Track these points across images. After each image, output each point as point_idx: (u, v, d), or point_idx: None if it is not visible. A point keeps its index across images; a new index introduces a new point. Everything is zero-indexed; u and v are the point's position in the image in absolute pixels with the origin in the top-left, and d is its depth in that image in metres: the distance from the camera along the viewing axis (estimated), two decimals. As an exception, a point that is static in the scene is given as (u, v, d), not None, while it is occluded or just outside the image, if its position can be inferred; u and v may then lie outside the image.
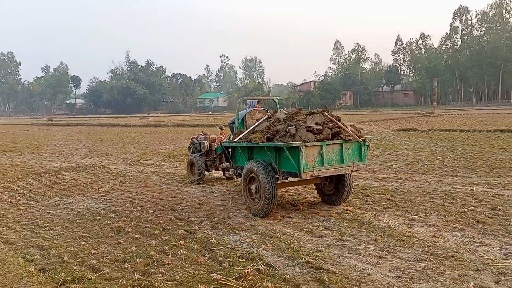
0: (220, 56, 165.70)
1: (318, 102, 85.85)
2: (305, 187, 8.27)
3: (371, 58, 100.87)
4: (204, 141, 9.71)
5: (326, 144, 6.17)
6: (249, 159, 7.09)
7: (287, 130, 6.30)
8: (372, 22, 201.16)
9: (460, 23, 79.22)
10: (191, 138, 10.38)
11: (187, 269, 4.41)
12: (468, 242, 5.04)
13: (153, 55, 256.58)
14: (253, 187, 6.67)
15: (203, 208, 7.04)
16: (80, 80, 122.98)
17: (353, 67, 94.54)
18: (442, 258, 4.53)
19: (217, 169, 9.61)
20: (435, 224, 5.76)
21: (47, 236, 5.73)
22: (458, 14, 79.26)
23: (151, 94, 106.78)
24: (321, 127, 6.36)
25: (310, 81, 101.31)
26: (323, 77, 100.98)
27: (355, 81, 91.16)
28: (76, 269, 4.43)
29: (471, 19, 78.68)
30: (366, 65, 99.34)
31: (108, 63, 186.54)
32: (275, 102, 9.53)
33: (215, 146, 9.53)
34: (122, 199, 7.97)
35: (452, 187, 7.96)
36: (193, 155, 9.73)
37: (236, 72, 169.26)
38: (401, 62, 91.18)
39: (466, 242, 5.04)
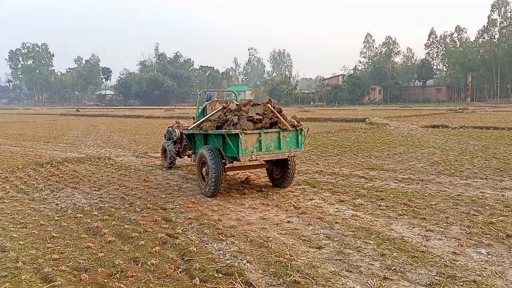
0: (249, 49, 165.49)
1: (346, 97, 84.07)
2: (316, 188, 7.48)
3: (403, 52, 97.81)
4: (176, 130, 10.26)
5: (264, 132, 6.86)
6: (203, 145, 7.79)
7: (232, 120, 7.02)
8: (405, 14, 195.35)
9: (499, 15, 75.28)
10: (167, 127, 10.94)
11: (150, 285, 3.75)
12: (495, 262, 4.17)
13: (181, 48, 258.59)
14: (203, 170, 7.45)
15: (195, 208, 6.38)
16: (111, 71, 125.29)
17: (384, 61, 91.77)
18: (461, 283, 3.69)
19: (189, 156, 9.79)
20: (457, 237, 4.89)
21: (16, 235, 5.20)
22: (497, 6, 75.34)
23: (179, 86, 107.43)
24: (261, 117, 7.09)
25: (339, 75, 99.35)
26: (352, 71, 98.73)
27: (385, 75, 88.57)
28: (24, 279, 3.84)
29: (511, 11, 74.68)
30: (398, 59, 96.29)
31: (138, 55, 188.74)
32: (235, 94, 10.57)
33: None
34: (114, 194, 7.42)
35: (481, 192, 6.99)
36: (166, 142, 10.40)
37: (264, 66, 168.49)
38: (434, 56, 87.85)
39: (492, 262, 4.17)
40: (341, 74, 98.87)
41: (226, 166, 7.48)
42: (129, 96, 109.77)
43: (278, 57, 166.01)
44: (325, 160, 11.16)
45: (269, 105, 7.54)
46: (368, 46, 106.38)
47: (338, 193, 7.22)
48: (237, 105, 7.72)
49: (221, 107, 8.18)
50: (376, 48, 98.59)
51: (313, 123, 27.76)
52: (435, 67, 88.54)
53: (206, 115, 8.49)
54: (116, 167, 10.49)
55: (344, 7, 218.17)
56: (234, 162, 7.35)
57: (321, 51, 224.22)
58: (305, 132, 7.40)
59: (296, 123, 7.38)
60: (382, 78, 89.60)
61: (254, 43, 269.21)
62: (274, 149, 7.02)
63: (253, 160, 6.94)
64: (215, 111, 8.17)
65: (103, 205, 6.66)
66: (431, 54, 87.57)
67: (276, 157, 7.14)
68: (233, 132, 6.62)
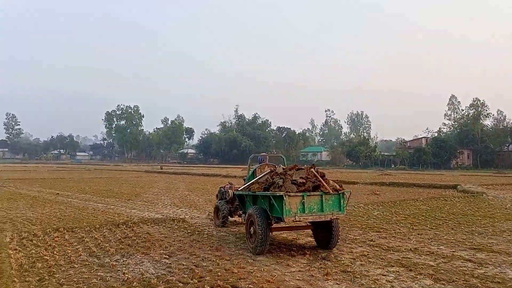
0: (326, 111, 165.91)
1: (430, 160, 79.22)
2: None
3: (493, 114, 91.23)
4: (229, 190, 10.83)
5: (307, 195, 7.36)
6: (252, 206, 8.38)
7: (277, 182, 7.60)
8: (494, 74, 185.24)
9: None
10: (219, 187, 11.66)
11: None
12: None
13: (259, 109, 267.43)
14: (251, 229, 7.92)
15: (271, 289, 5.55)
16: (193, 131, 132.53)
17: (472, 123, 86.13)
18: None
19: (239, 216, 10.32)
20: None
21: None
22: None
23: (256, 146, 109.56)
24: (304, 181, 7.63)
25: (422, 138, 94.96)
26: (436, 134, 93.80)
27: (473, 139, 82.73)
28: None
29: None
30: (487, 122, 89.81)
31: (219, 116, 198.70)
32: (283, 158, 11.25)
33: None
34: (183, 265, 6.85)
35: None
36: (219, 201, 11.00)
37: (341, 127, 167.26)
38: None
39: None
40: (424, 137, 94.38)
41: (272, 226, 8.00)
42: (209, 154, 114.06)
43: (356, 118, 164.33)
44: (418, 234, 9.78)
45: (312, 169, 8.10)
46: (453, 108, 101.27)
47: (443, 282, 5.96)
48: (283, 169, 8.29)
49: (269, 170, 8.85)
50: (462, 110, 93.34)
51: (397, 188, 25.89)
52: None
53: (256, 177, 9.03)
54: (189, 231, 10.07)
55: (426, 71, 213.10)
56: (281, 223, 7.82)
57: (401, 112, 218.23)
58: (348, 196, 7.84)
59: (338, 187, 7.83)
60: (470, 142, 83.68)
61: (331, 104, 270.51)
62: (317, 211, 7.47)
63: (296, 221, 7.37)
64: (263, 174, 8.82)
65: (170, 277, 6.09)
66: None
67: (319, 219, 7.59)
68: (278, 194, 7.25)
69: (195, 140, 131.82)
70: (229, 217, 10.68)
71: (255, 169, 9.64)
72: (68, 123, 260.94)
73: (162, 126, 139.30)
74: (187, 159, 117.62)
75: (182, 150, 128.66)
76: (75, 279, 5.98)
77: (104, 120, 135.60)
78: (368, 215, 13.33)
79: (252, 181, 8.86)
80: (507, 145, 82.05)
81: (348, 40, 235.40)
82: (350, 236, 9.59)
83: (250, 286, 5.71)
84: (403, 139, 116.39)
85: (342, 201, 7.65)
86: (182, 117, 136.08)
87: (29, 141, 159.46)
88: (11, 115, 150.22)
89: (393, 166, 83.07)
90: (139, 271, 6.50)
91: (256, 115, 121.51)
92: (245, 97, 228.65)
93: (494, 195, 19.70)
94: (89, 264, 6.84)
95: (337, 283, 5.93)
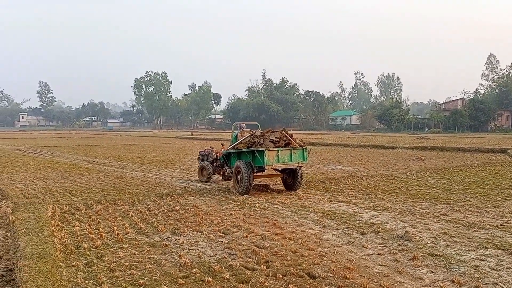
0: (355, 73, 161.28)
1: (467, 123, 76.03)
2: None
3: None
4: (212, 152, 13.24)
5: (281, 150, 10.13)
6: (237, 160, 10.92)
7: (258, 141, 10.31)
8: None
9: None
10: (199, 151, 13.86)
11: None
12: None
13: (287, 73, 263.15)
14: (238, 177, 10.44)
15: (353, 277, 4.69)
16: (221, 97, 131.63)
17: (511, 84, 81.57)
18: None
19: (219, 173, 12.75)
20: None
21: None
22: None
23: (284, 111, 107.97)
24: (278, 139, 10.39)
25: (457, 99, 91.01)
26: (473, 95, 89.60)
27: (514, 99, 78.58)
28: None
29: None
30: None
31: (246, 81, 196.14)
32: (258, 125, 13.00)
33: (219, 156, 12.76)
34: (243, 245, 6.05)
35: None
36: (204, 162, 13.04)
37: (371, 90, 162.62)
38: None
39: None
40: (460, 98, 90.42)
41: (254, 174, 10.54)
42: (237, 120, 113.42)
43: (386, 81, 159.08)
44: (494, 207, 8.71)
45: (283, 132, 10.79)
46: (492, 68, 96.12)
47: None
48: (261, 132, 10.85)
49: (249, 134, 11.26)
50: (502, 70, 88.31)
51: (441, 153, 24.50)
52: None
53: (238, 140, 11.56)
54: (238, 203, 9.31)
55: (461, 27, 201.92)
56: (260, 172, 10.77)
57: (432, 74, 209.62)
58: (309, 150, 10.65)
59: (302, 143, 10.65)
60: (509, 103, 79.56)
61: (360, 67, 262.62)
62: (288, 161, 10.23)
63: (273, 168, 10.28)
64: (245, 137, 11.36)
65: (233, 261, 5.31)
66: None
67: (289, 167, 10.42)
68: (261, 149, 9.93)
69: (223, 105, 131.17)
70: (213, 174, 12.76)
71: (237, 133, 12.35)
72: (98, 90, 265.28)
73: (189, 92, 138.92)
74: (215, 125, 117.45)
75: (210, 116, 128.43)
76: (126, 263, 5.27)
77: (133, 87, 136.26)
78: (424, 184, 12.26)
79: (236, 142, 11.43)
80: (551, 106, 77.63)
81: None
82: (418, 209, 8.60)
83: (329, 274, 4.85)
84: (436, 101, 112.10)
85: (305, 153, 10.43)
86: (209, 83, 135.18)
87: (61, 109, 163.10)
88: (43, 83, 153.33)
89: (427, 129, 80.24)
90: (196, 252, 5.75)
91: (284, 79, 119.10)
92: (273, 60, 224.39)
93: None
94: (138, 244, 6.14)
95: (431, 271, 5.00)
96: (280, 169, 10.56)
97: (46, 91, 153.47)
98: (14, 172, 15.12)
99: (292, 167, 10.36)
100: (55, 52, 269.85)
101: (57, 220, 7.48)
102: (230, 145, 11.96)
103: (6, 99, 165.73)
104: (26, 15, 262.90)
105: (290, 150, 10.21)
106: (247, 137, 11.15)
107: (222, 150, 12.75)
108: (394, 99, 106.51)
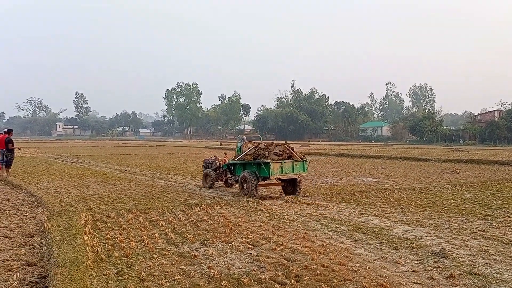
0: (386, 84, 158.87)
1: (505, 135, 73.31)
2: None
3: None
4: (216, 161, 14.03)
5: (284, 162, 11.28)
6: (243, 170, 12.00)
7: (263, 154, 11.45)
8: None
9: None
10: (204, 160, 14.67)
11: None
12: None
13: (317, 84, 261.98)
14: (245, 185, 11.65)
15: (390, 298, 4.51)
16: (250, 107, 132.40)
17: (555, 94, 78.12)
18: None
19: (221, 180, 13.88)
20: None
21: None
22: None
23: (313, 122, 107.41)
24: (281, 152, 11.60)
25: (494, 111, 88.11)
26: (510, 106, 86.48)
27: (557, 110, 75.23)
28: None
29: None
30: None
31: (275, 92, 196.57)
32: (260, 137, 14.37)
33: (222, 164, 13.63)
34: (272, 258, 5.97)
35: None
36: (207, 170, 13.90)
37: (403, 100, 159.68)
38: None
39: None
40: (497, 110, 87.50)
41: (259, 183, 11.67)
42: (265, 130, 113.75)
43: (419, 91, 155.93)
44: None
45: (286, 145, 12.07)
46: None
47: None
48: (265, 145, 12.05)
49: (253, 146, 12.33)
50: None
51: (477, 166, 23.65)
52: None
53: (243, 152, 12.53)
54: (267, 214, 9.23)
55: (491, 39, 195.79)
56: (265, 181, 11.94)
57: (468, 84, 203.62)
58: (308, 162, 11.82)
59: (303, 156, 11.86)
60: (552, 114, 76.05)
61: (391, 77, 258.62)
62: (290, 172, 11.36)
63: (277, 178, 11.52)
64: (250, 148, 12.25)
65: (262, 275, 5.22)
66: None
67: (291, 177, 11.61)
68: (267, 161, 11.03)
69: (251, 116, 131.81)
70: (216, 181, 13.79)
71: (241, 145, 13.26)
72: (131, 101, 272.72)
73: (219, 103, 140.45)
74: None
75: (239, 126, 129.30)
76: (156, 273, 5.29)
77: (165, 98, 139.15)
78: (460, 198, 11.81)
79: (242, 154, 12.32)
80: None
81: (409, 4, 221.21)
82: (454, 224, 8.26)
83: (361, 290, 4.70)
84: (471, 112, 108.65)
85: (305, 165, 11.60)
86: (239, 94, 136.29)
87: (96, 119, 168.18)
88: (79, 94, 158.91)
89: (461, 141, 77.85)
90: (224, 264, 5.71)
91: (313, 89, 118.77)
92: (302, 70, 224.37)
93: None
94: (168, 254, 6.16)
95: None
96: (282, 179, 11.68)
97: (82, 102, 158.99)
98: (50, 180, 15.61)
99: (294, 177, 11.63)
100: (91, 64, 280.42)
101: (89, 228, 7.61)
102: (235, 155, 12.85)
103: (44, 109, 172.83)
104: (67, 28, 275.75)
105: (292, 162, 11.38)
106: (252, 149, 12.11)
107: (225, 159, 13.85)
108: (427, 110, 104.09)
